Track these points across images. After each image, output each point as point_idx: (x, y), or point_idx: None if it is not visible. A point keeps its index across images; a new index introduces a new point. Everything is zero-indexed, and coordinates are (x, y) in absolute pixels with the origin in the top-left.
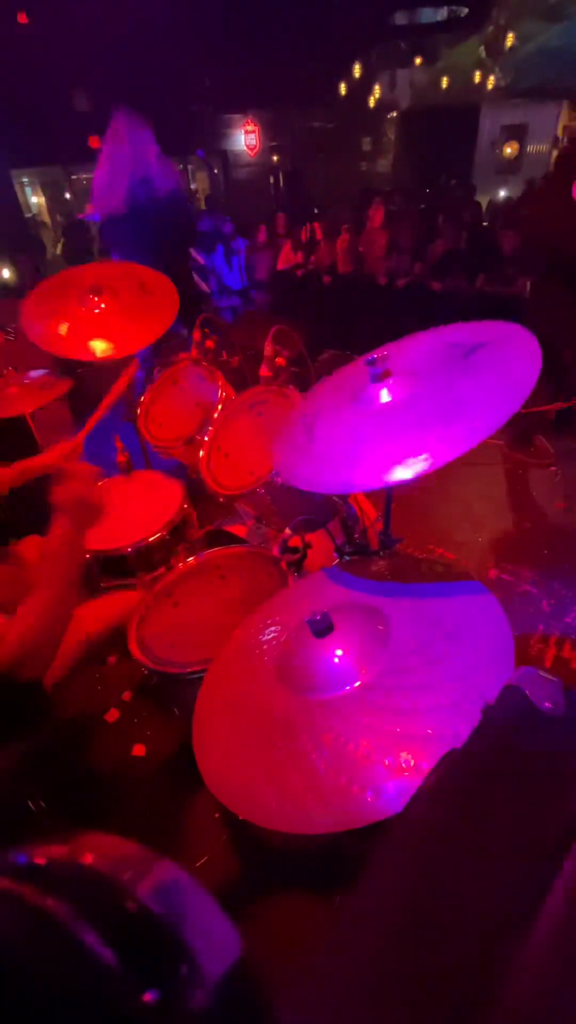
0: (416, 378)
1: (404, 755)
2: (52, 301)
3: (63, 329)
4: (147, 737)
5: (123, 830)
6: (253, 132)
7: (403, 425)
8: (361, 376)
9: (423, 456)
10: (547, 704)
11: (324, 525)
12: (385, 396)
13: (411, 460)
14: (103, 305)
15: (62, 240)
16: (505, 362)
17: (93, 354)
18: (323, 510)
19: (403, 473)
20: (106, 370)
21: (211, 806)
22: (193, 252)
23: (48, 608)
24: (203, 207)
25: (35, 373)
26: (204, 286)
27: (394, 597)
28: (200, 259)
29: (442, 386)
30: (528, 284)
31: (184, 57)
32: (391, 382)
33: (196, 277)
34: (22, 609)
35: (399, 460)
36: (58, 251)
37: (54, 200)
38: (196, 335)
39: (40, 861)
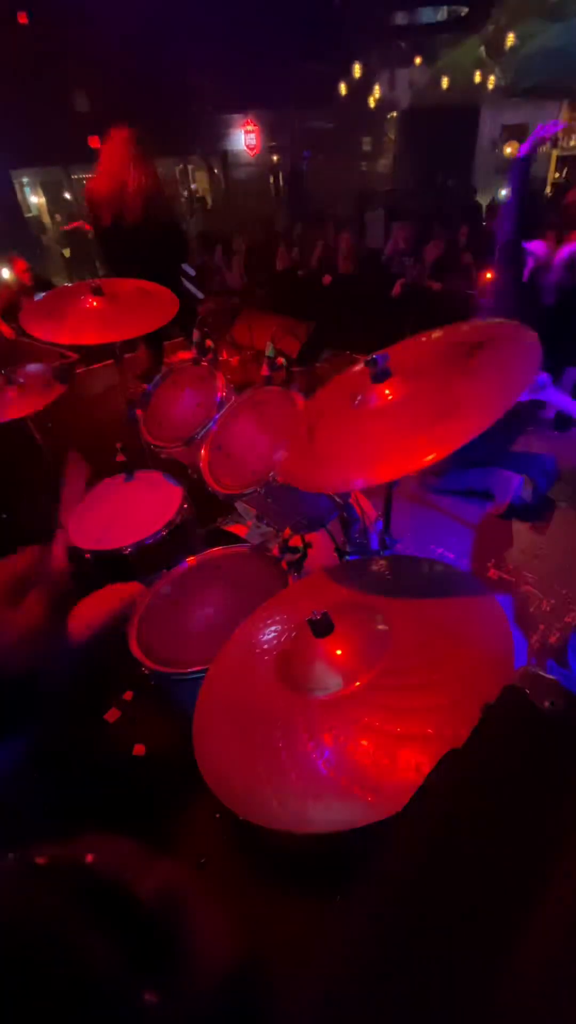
0: (415, 379)
1: (404, 755)
2: (53, 300)
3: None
4: (147, 737)
5: (123, 830)
6: (253, 132)
7: (398, 426)
8: (360, 376)
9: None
10: (547, 704)
11: (324, 525)
12: (377, 398)
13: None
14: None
15: (68, 247)
16: (503, 359)
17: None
18: (323, 510)
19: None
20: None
21: (211, 806)
22: (184, 267)
23: None
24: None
25: (30, 368)
26: (199, 293)
27: (394, 597)
28: (191, 272)
29: (439, 386)
30: None
31: (184, 57)
32: (388, 385)
33: (188, 287)
34: None
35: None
36: (66, 253)
37: (54, 200)
38: (196, 335)
39: (40, 861)
